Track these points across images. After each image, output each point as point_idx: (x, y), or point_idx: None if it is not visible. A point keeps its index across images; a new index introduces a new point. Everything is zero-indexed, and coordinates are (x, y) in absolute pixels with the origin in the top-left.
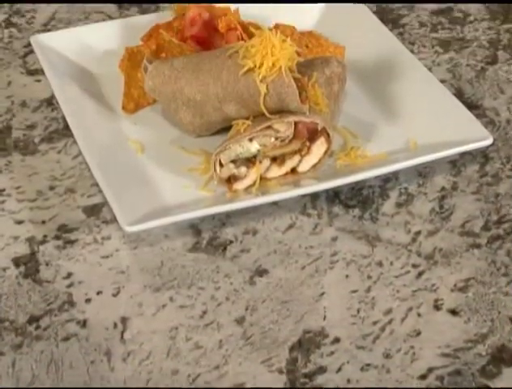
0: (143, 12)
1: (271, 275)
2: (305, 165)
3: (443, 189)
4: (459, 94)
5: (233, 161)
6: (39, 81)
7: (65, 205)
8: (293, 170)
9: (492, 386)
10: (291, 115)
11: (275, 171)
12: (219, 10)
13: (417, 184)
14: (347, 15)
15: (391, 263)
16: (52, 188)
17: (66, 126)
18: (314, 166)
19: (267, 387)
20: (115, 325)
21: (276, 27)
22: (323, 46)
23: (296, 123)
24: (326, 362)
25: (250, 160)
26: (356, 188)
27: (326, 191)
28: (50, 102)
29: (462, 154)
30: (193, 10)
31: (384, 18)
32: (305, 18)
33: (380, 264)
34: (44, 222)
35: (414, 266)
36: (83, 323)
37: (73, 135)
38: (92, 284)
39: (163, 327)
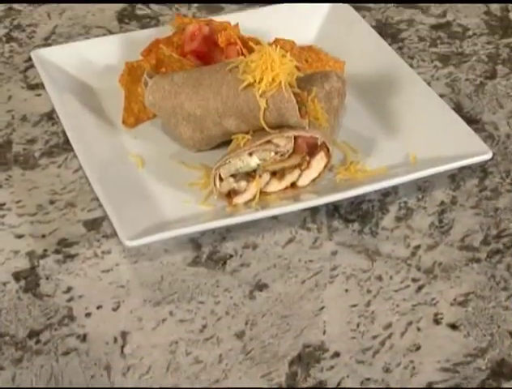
0: (143, 27)
1: (271, 290)
2: (304, 180)
3: (442, 203)
4: (458, 108)
5: (233, 175)
6: (39, 95)
7: (65, 219)
8: (293, 184)
9: None
10: (291, 130)
11: (275, 185)
12: (219, 24)
13: (417, 198)
14: (347, 30)
15: (391, 277)
16: (52, 202)
17: (67, 141)
18: (314, 180)
19: None
20: (115, 339)
21: (276, 41)
22: (323, 61)
23: (295, 138)
24: (326, 377)
25: (250, 175)
26: (356, 202)
27: (326, 205)
28: (51, 116)
29: (462, 168)
30: (193, 24)
31: (383, 32)
32: (304, 32)
33: (380, 278)
34: (44, 236)
35: (414, 280)
36: (83, 338)
37: (73, 150)
38: (92, 298)
39: (163, 341)
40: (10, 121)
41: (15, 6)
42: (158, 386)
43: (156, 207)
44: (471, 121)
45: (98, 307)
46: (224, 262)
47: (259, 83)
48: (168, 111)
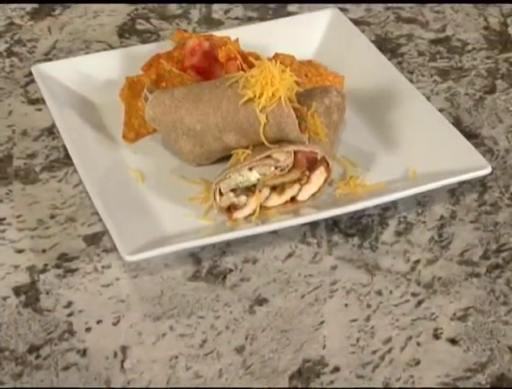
0: (144, 42)
1: (271, 304)
2: (304, 194)
3: (442, 218)
4: (458, 123)
5: (233, 190)
6: (40, 110)
7: (65, 234)
8: (293, 199)
9: None
10: (290, 144)
11: (275, 200)
12: (219, 39)
13: (416, 213)
14: (346, 45)
15: (391, 292)
16: (52, 217)
17: (67, 155)
18: (314, 195)
19: None
20: (115, 354)
21: (276, 56)
22: (322, 75)
23: (295, 152)
24: None
25: (250, 189)
26: (356, 217)
27: (326, 220)
28: (51, 131)
29: (461, 183)
30: (193, 39)
31: (383, 47)
32: (304, 47)
33: (379, 293)
34: (44, 251)
35: (413, 295)
36: (83, 352)
37: (73, 164)
38: (92, 312)
39: (163, 356)
40: (11, 135)
41: (16, 20)
42: None
43: (156, 222)
44: (471, 135)
45: (98, 322)
46: (224, 277)
47: (259, 98)
48: (169, 126)
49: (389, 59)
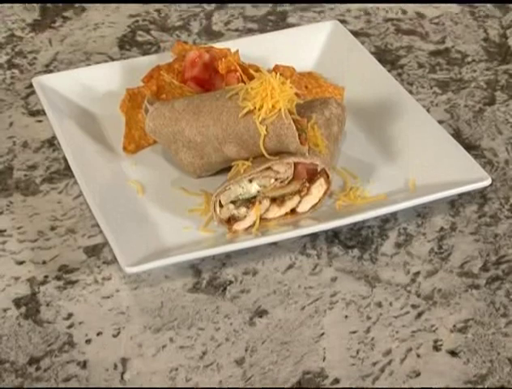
0: (144, 53)
1: (271, 316)
2: (304, 206)
3: (442, 229)
4: (457, 134)
5: (233, 202)
6: (40, 122)
7: (66, 245)
8: (293, 211)
9: None
10: (290, 156)
11: (275, 212)
12: (219, 51)
13: (416, 224)
14: (346, 56)
15: (390, 304)
16: (53, 228)
17: (67, 167)
18: (314, 207)
19: None
20: (115, 366)
21: (276, 68)
22: (322, 87)
23: (295, 164)
24: None
25: (250, 201)
26: (356, 228)
27: (326, 231)
28: (52, 143)
29: (461, 194)
30: (193, 51)
31: (382, 59)
32: (304, 58)
33: (379, 305)
34: (45, 262)
35: (413, 306)
36: (84, 364)
37: (74, 176)
38: (93, 324)
39: (163, 367)
40: (12, 147)
41: (17, 32)
42: None
43: (156, 234)
44: (470, 147)
45: (98, 333)
46: (224, 289)
47: (259, 110)
48: (169, 137)
49: (389, 71)
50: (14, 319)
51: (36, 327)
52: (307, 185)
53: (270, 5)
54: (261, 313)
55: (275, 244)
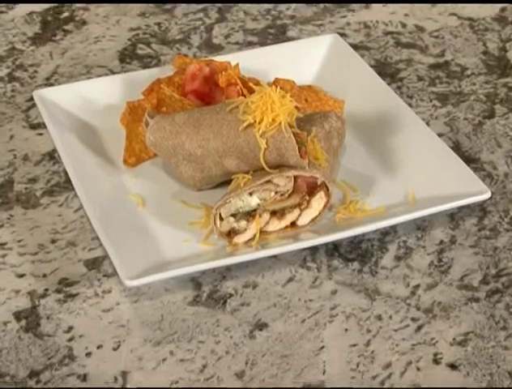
0: (145, 66)
1: (271, 329)
2: (304, 219)
3: (442, 242)
4: (457, 147)
5: (233, 215)
6: (41, 135)
7: (66, 258)
8: (293, 224)
9: None
10: (290, 169)
11: (275, 225)
12: (220, 65)
13: (416, 237)
14: (346, 69)
15: (390, 317)
16: (53, 241)
17: (68, 180)
18: (314, 220)
19: None
20: (115, 379)
21: (276, 81)
22: (322, 100)
23: (295, 177)
24: None
25: (250, 214)
26: (356, 241)
27: (326, 244)
28: (52, 156)
29: (461, 207)
30: (193, 65)
31: (382, 72)
32: (304, 72)
33: (379, 318)
34: (45, 275)
35: (413, 319)
36: (84, 377)
37: (74, 189)
38: (93, 337)
39: (163, 380)
40: (12, 160)
41: (18, 46)
42: None
43: (157, 247)
44: (470, 160)
45: (98, 347)
46: (225, 302)
47: (259, 123)
48: (169, 151)
49: (388, 84)
50: (15, 332)
51: (37, 340)
52: (307, 198)
53: (270, 18)
54: (261, 326)
55: (275, 257)
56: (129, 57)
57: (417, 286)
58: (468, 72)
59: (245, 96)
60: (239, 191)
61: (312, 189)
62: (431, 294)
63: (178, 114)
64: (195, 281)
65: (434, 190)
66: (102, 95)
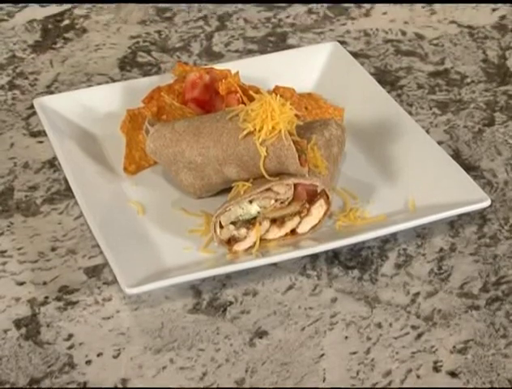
0: (145, 74)
1: (271, 337)
2: (304, 227)
3: (441, 250)
4: (457, 155)
5: (233, 223)
6: (41, 143)
7: (66, 266)
8: (293, 231)
9: None
10: (290, 177)
11: (275, 232)
12: (220, 73)
13: (416, 245)
14: (346, 77)
15: (390, 325)
16: (53, 249)
17: (68, 188)
18: (314, 227)
19: None
20: (115, 387)
21: (276, 89)
22: (322, 108)
23: (295, 185)
24: None
25: (250, 222)
26: (356, 249)
27: (326, 252)
28: (52, 163)
29: (461, 215)
30: (194, 73)
31: (382, 80)
32: (304, 79)
33: (379, 325)
34: (45, 283)
35: (413, 327)
36: (84, 385)
37: (74, 196)
38: (93, 345)
39: (163, 388)
40: (12, 168)
41: (18, 53)
42: None
43: (157, 254)
44: (470, 168)
45: (98, 354)
46: (225, 309)
47: (259, 131)
48: (169, 158)
49: (388, 92)
50: (15, 340)
51: (37, 348)
52: (307, 206)
53: (270, 26)
54: (261, 334)
55: (275, 265)
56: (129, 64)
57: (417, 294)
58: (468, 80)
59: (245, 104)
60: (239, 199)
61: (312, 196)
62: (431, 302)
63: (178, 122)
64: (195, 289)
65: (434, 197)
66: (102, 103)
